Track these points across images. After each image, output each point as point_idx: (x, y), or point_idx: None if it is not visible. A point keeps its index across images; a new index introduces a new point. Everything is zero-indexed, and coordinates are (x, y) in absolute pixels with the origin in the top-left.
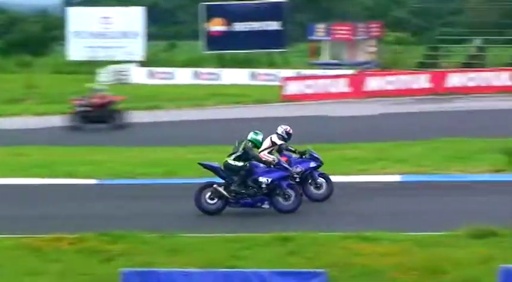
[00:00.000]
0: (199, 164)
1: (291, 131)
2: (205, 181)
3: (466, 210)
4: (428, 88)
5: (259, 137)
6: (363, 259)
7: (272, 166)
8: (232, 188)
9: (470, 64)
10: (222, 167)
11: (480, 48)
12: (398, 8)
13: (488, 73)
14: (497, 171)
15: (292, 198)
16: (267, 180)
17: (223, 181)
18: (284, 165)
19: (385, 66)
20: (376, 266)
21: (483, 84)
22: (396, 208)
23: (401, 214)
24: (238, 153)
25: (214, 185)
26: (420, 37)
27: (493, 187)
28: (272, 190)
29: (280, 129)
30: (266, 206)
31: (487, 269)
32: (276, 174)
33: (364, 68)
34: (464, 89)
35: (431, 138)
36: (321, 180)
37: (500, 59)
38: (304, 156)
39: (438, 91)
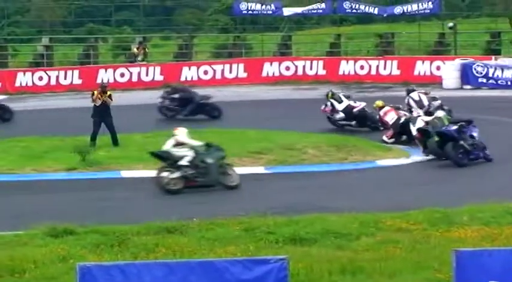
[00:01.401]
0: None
1: None
2: None
3: (43, 209)
4: None
5: None
6: None
7: None
8: None
9: (38, 63)
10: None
11: (48, 47)
12: None
13: (57, 72)
14: (71, 169)
15: None
16: None
17: None
18: None
19: None
20: None
21: (52, 83)
22: None
23: None
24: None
25: None
26: None
27: (67, 185)
28: None
29: None
30: None
31: (65, 267)
32: None
33: None
34: (33, 88)
35: (3, 137)
36: None
37: (67, 57)
38: None
39: (8, 90)
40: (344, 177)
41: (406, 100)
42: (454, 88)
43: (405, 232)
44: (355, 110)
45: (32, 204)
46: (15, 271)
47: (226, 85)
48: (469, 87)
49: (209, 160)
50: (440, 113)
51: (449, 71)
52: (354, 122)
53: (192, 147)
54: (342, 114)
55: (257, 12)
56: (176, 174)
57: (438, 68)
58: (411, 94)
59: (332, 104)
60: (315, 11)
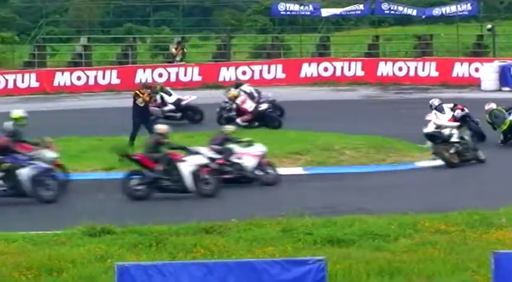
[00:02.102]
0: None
1: None
2: None
3: (81, 209)
4: (36, 87)
5: None
6: None
7: None
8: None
9: (76, 63)
10: None
11: (86, 47)
12: (2, 7)
13: (95, 71)
14: (109, 169)
15: None
16: None
17: None
18: None
19: None
20: None
21: (91, 82)
22: (6, 208)
23: (13, 214)
24: None
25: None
26: (26, 36)
27: (105, 185)
28: None
29: None
30: None
31: (103, 267)
32: None
33: None
34: (71, 88)
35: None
36: None
37: (106, 57)
38: None
39: (46, 90)
40: (382, 178)
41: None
42: (493, 90)
43: (443, 234)
44: (183, 103)
45: (70, 203)
46: (54, 270)
47: (264, 86)
48: (507, 89)
49: None
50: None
51: (487, 72)
52: (179, 114)
53: None
54: (171, 107)
55: (295, 13)
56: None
57: (476, 69)
58: (241, 87)
59: (162, 97)
60: (354, 12)
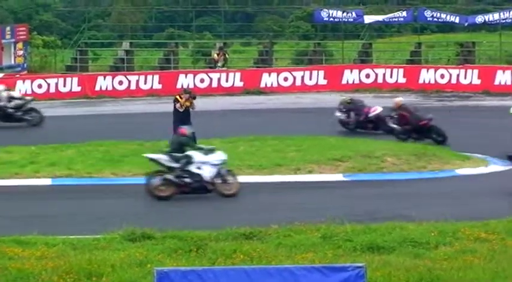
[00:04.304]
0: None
1: None
2: None
3: (121, 213)
4: (78, 91)
5: None
6: (18, 263)
7: None
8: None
9: (118, 67)
10: None
11: (128, 52)
12: (45, 11)
13: (137, 76)
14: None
15: None
16: None
17: None
18: None
19: (34, 70)
20: (33, 270)
21: (132, 87)
22: (48, 211)
23: (54, 217)
24: None
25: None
26: (68, 40)
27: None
28: None
29: None
30: None
31: (142, 272)
32: None
33: (14, 72)
34: (113, 92)
35: (83, 141)
36: None
37: (148, 62)
38: None
39: (88, 94)
40: (422, 185)
41: None
42: None
43: (483, 242)
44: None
45: (110, 208)
46: (93, 275)
47: (306, 92)
48: None
49: None
50: None
51: None
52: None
53: None
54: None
55: (338, 19)
56: None
57: None
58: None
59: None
60: (396, 19)
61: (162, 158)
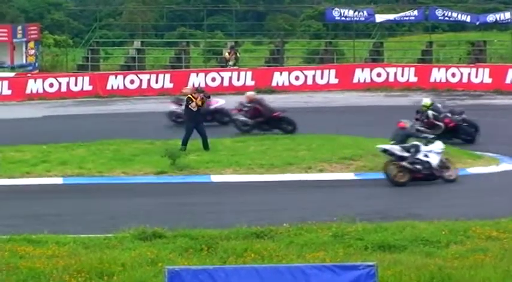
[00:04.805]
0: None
1: None
2: None
3: (132, 212)
4: (89, 90)
5: None
6: (29, 262)
7: None
8: None
9: (130, 66)
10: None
11: (139, 51)
12: (56, 10)
13: (149, 75)
14: (160, 173)
15: None
16: None
17: None
18: None
19: (45, 69)
20: (44, 268)
21: (143, 86)
22: (59, 210)
23: (65, 216)
24: None
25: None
26: (79, 39)
27: (156, 189)
28: None
29: None
30: None
31: (153, 271)
32: None
33: (25, 71)
34: (124, 91)
35: (94, 140)
36: None
37: (159, 61)
38: None
39: (99, 93)
40: (433, 184)
41: None
42: None
43: (495, 240)
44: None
45: (121, 207)
46: (104, 274)
47: (317, 91)
48: None
49: None
50: None
51: None
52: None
53: None
54: None
55: (349, 18)
56: None
57: None
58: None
59: None
60: (407, 18)
61: (395, 148)
